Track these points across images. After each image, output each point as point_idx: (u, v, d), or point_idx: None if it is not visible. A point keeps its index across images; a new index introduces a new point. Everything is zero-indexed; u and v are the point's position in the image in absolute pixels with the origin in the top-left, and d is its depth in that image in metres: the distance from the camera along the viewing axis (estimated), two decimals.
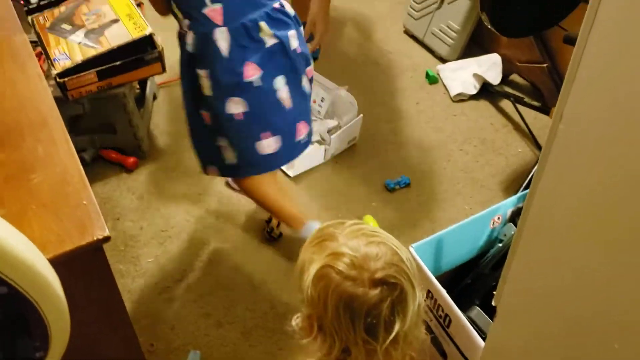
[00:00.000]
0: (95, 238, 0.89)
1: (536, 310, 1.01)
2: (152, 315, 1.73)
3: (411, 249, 1.45)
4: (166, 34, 2.57)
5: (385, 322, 0.93)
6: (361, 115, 2.19)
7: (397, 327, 0.93)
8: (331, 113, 2.25)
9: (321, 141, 2.17)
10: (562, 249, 0.92)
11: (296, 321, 1.01)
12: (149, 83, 2.25)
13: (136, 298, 1.77)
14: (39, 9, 2.46)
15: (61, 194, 0.94)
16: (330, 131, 2.16)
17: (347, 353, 0.98)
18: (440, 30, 2.54)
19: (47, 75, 2.03)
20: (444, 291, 1.35)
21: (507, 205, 1.58)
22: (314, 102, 2.26)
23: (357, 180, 2.11)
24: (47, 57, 1.92)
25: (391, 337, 0.93)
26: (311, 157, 2.13)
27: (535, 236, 0.97)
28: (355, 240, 0.96)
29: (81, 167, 0.97)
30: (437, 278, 1.43)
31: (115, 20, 1.99)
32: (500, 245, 1.55)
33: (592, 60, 0.75)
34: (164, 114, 2.31)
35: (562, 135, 0.86)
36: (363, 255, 0.94)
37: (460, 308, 1.38)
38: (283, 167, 2.10)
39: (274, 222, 1.90)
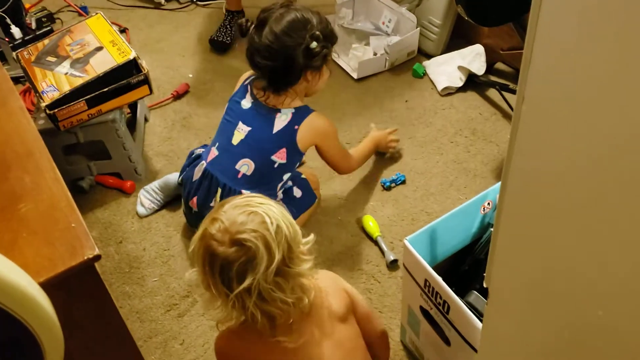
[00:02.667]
0: (85, 257, 0.92)
1: (525, 288, 1.03)
2: (162, 333, 1.76)
3: (406, 242, 1.48)
4: (151, 56, 2.63)
5: (237, 275, 1.10)
6: (419, 28, 2.52)
7: (247, 281, 1.09)
8: (395, 31, 2.58)
9: (384, 53, 2.50)
10: (540, 227, 0.94)
11: (190, 275, 1.20)
12: (139, 106, 2.28)
13: (145, 317, 1.80)
14: (24, 44, 2.51)
15: (50, 220, 0.97)
16: (391, 45, 2.47)
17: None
18: (422, 27, 2.57)
19: (38, 108, 2.07)
20: (439, 278, 1.37)
21: (496, 190, 1.60)
22: (382, 23, 2.62)
23: (354, 183, 2.13)
24: (35, 90, 1.96)
25: (241, 287, 1.09)
26: (375, 64, 2.51)
27: (514, 217, 0.99)
28: (234, 209, 1.14)
29: (68, 192, 1.00)
30: (435, 267, 1.44)
31: (100, 48, 2.03)
32: (492, 230, 1.57)
33: (545, 44, 0.77)
34: (156, 135, 2.35)
35: (526, 117, 0.89)
36: (232, 221, 1.11)
37: (460, 294, 1.40)
38: (347, 70, 2.54)
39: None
